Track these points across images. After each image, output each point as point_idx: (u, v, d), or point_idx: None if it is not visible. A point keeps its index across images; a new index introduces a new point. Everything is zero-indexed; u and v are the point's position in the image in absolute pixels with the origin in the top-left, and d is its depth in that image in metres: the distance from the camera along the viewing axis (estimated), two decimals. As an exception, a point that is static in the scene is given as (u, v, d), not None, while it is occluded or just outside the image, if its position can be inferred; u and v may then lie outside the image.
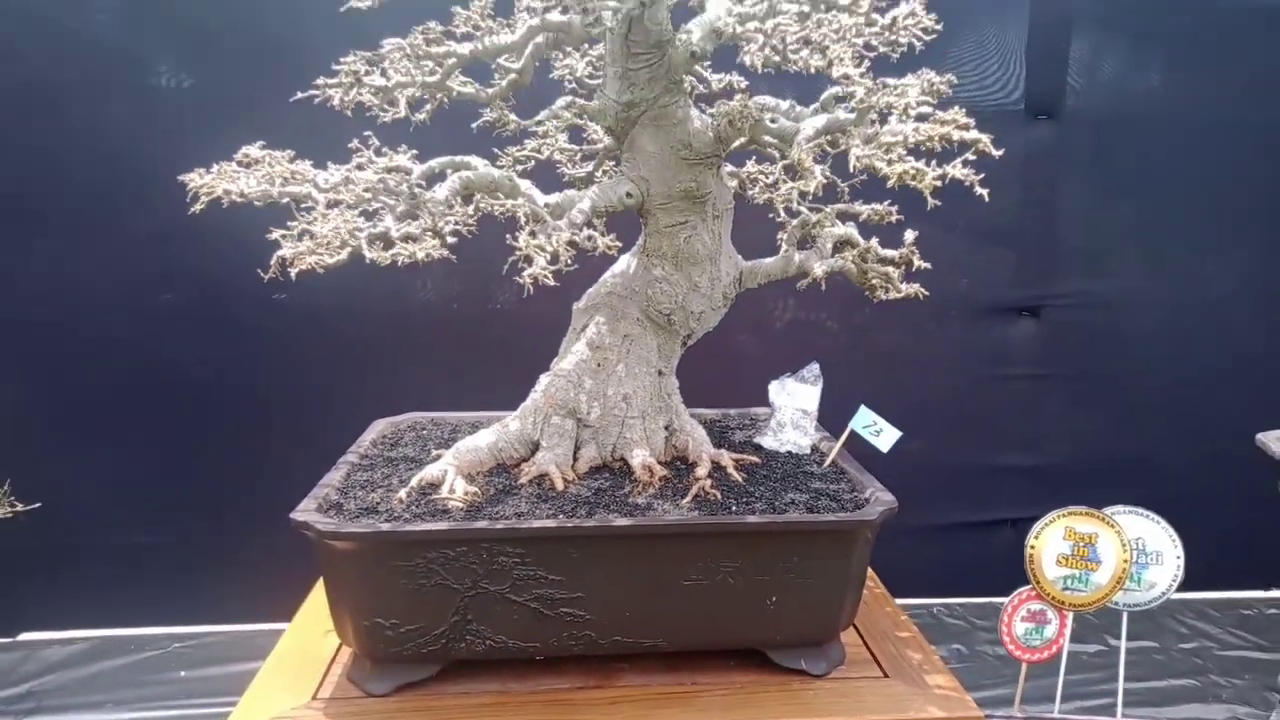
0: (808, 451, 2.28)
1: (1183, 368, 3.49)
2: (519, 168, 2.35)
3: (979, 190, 1.68)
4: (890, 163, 1.63)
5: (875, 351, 3.40)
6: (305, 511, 1.84)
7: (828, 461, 2.19)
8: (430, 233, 1.78)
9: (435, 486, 1.96)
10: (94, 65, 2.97)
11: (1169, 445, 3.46)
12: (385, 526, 1.77)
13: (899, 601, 2.39)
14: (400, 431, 2.48)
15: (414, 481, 1.99)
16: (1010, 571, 3.65)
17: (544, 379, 2.18)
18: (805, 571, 1.85)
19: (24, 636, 3.11)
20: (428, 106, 2.08)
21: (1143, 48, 3.33)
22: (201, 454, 3.17)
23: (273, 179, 1.77)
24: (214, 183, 1.70)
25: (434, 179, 1.94)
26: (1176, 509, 2.92)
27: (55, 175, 3.01)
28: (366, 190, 1.70)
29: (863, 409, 2.18)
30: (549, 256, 1.71)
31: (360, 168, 1.95)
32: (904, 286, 1.96)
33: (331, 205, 1.77)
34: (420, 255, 1.62)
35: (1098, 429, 3.47)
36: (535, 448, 2.11)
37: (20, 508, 2.35)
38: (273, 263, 1.77)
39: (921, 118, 1.74)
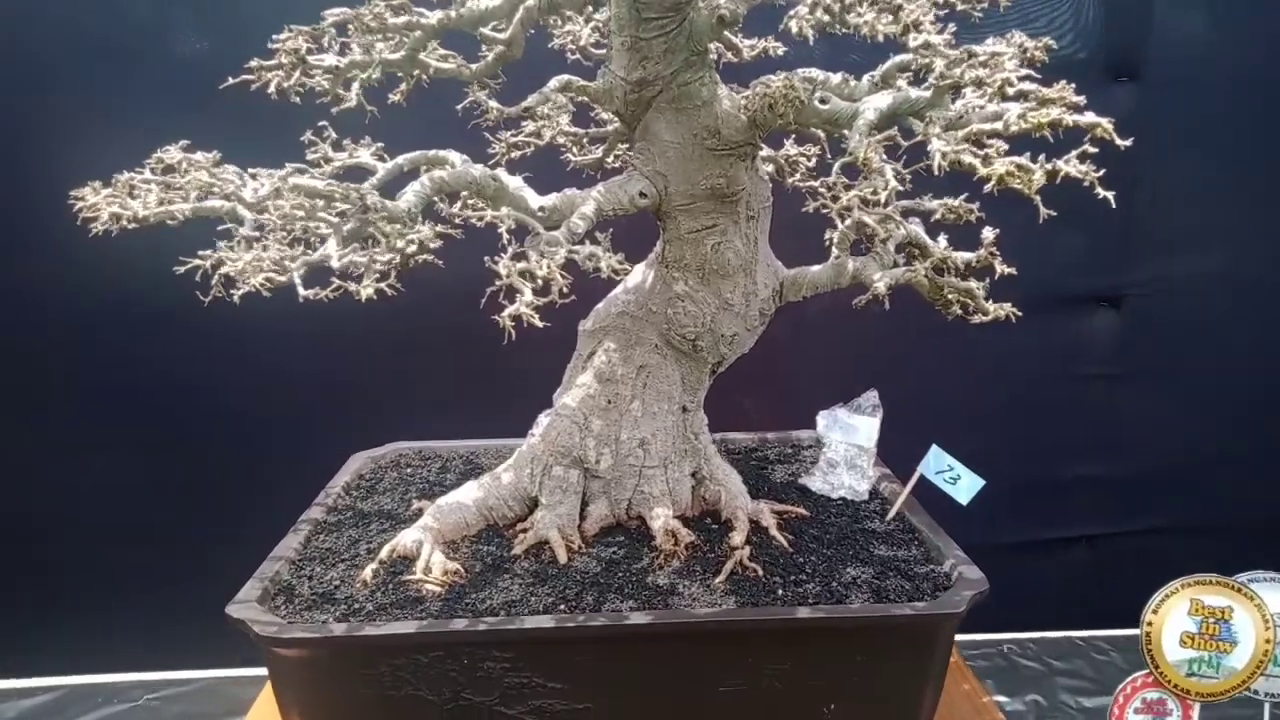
0: (865, 497, 1.89)
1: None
2: (516, 154, 1.97)
3: (1103, 193, 1.29)
4: (986, 159, 1.22)
5: (927, 346, 2.98)
6: (244, 604, 1.48)
7: (891, 514, 1.80)
8: (385, 260, 1.40)
9: (409, 561, 1.60)
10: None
11: (1270, 451, 3.02)
12: (338, 630, 1.41)
13: (962, 637, 2.01)
14: (380, 469, 2.11)
15: (384, 553, 1.62)
16: (1089, 597, 3.29)
17: (544, 418, 1.81)
18: (871, 674, 1.47)
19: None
20: (402, 87, 1.70)
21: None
22: (178, 477, 2.83)
23: (188, 193, 1.39)
24: (103, 204, 1.31)
25: (405, 180, 1.54)
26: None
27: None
28: (304, 202, 1.30)
29: (935, 450, 1.79)
30: (539, 284, 1.33)
31: (312, 167, 1.59)
32: (991, 306, 1.55)
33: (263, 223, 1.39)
34: (365, 293, 1.23)
35: (1186, 434, 3.04)
36: (533, 505, 1.74)
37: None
38: (214, 282, 1.42)
39: (1021, 95, 1.33)
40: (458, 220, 1.69)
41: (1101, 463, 3.08)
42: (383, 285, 1.25)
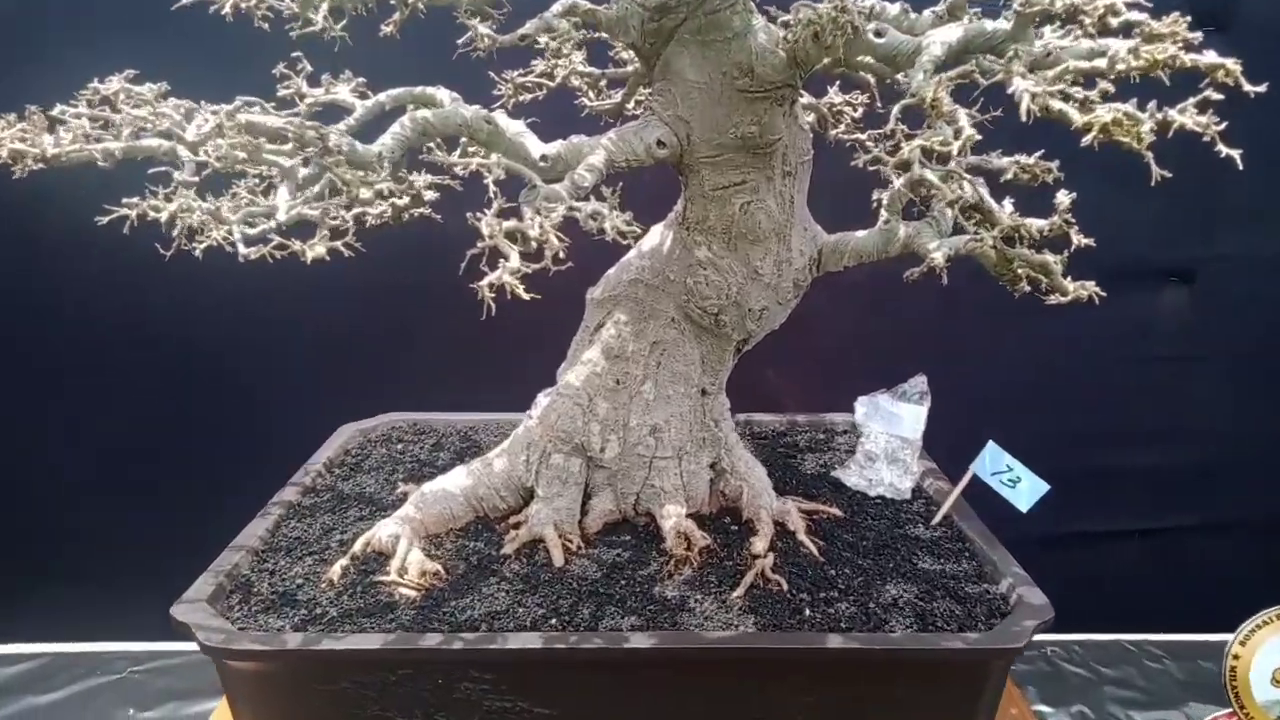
0: (907, 496, 1.67)
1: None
2: (526, 97, 1.74)
3: (1226, 151, 1.05)
4: (1086, 105, 0.97)
5: (981, 326, 2.71)
6: (192, 604, 1.30)
7: (937, 517, 1.58)
8: (376, 213, 1.19)
9: (385, 557, 1.41)
10: None
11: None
12: (293, 641, 1.22)
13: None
14: (369, 444, 1.92)
15: (357, 546, 1.43)
16: (1138, 596, 3.04)
17: (543, 398, 1.59)
18: (912, 711, 1.25)
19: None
20: (395, 17, 1.47)
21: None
22: (169, 441, 2.66)
23: (120, 131, 1.18)
24: (7, 140, 1.10)
25: (389, 121, 1.33)
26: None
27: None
28: (247, 141, 1.08)
29: (992, 448, 1.56)
30: (531, 246, 1.11)
31: (281, 105, 1.38)
32: (1071, 285, 1.32)
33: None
34: (314, 253, 1.02)
35: (1256, 423, 2.77)
36: (529, 496, 1.54)
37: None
38: (176, 234, 1.21)
39: (1126, 29, 1.09)
40: (459, 170, 1.48)
41: (1161, 452, 2.81)
42: (337, 244, 1.04)
